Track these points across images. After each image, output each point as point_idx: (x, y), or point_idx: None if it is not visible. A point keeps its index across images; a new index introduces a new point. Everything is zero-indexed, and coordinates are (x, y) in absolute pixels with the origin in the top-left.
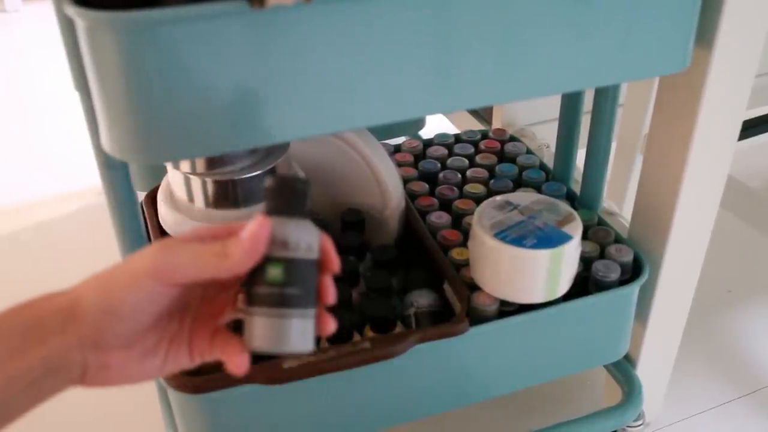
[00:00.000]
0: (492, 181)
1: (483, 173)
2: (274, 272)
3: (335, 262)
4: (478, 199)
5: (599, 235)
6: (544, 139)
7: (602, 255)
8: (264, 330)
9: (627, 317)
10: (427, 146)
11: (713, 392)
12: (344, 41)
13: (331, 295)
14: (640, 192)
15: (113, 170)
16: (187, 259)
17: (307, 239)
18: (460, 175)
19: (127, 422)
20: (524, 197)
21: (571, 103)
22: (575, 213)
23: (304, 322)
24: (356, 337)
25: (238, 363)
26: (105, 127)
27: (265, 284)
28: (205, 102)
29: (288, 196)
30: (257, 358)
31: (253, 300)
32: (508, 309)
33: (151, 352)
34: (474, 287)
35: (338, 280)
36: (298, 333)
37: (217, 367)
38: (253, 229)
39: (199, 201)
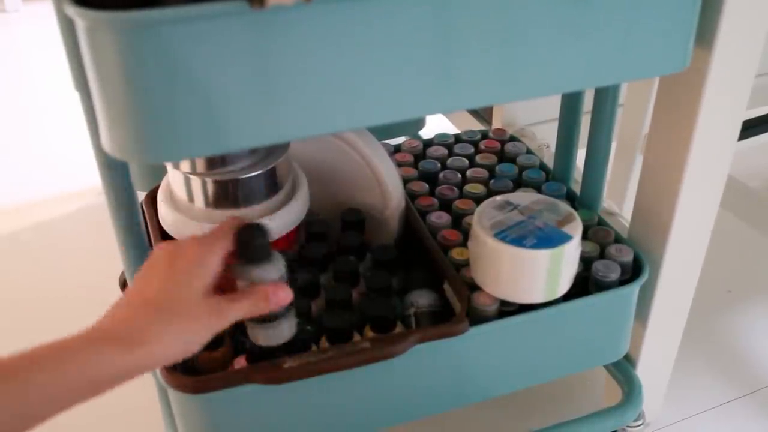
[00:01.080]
0: (492, 181)
1: (483, 173)
2: None
3: None
4: (478, 199)
5: (599, 235)
6: (544, 139)
7: (602, 255)
8: (264, 337)
9: (627, 317)
10: (427, 146)
11: (713, 392)
12: (344, 41)
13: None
14: (640, 192)
15: (113, 170)
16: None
17: (273, 276)
18: (460, 175)
19: (127, 422)
20: (524, 197)
21: (571, 103)
22: (575, 213)
23: (288, 319)
24: (356, 337)
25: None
26: (105, 127)
27: None
28: (205, 102)
29: (251, 248)
30: (257, 358)
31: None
32: (508, 309)
33: None
34: (474, 287)
35: (338, 280)
36: (287, 328)
37: (217, 368)
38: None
39: (199, 201)
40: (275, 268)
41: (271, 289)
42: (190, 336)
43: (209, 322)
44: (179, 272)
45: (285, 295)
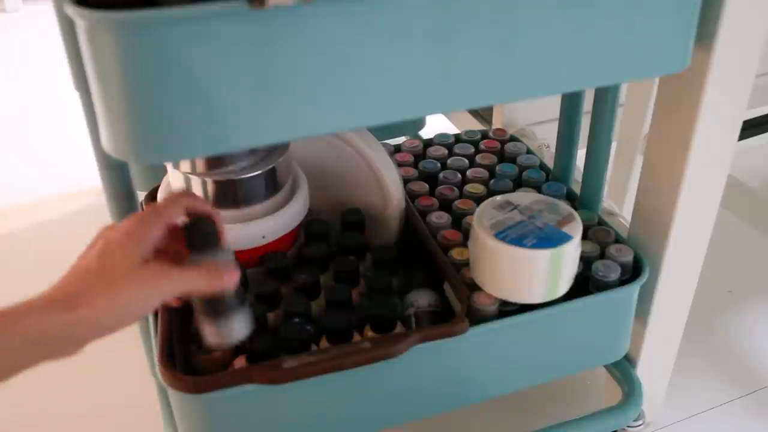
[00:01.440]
0: (492, 181)
1: (483, 173)
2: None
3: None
4: (478, 199)
5: (599, 235)
6: (544, 139)
7: (602, 255)
8: (214, 335)
9: (627, 317)
10: (427, 146)
11: (713, 392)
12: (344, 41)
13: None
14: (640, 192)
15: (113, 170)
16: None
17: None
18: (460, 175)
19: (127, 422)
20: (524, 197)
21: (571, 103)
22: (575, 213)
23: (239, 316)
24: (356, 337)
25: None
26: (105, 127)
27: (201, 303)
28: (204, 102)
29: (202, 237)
30: (257, 358)
31: (199, 311)
32: (508, 309)
33: None
34: (474, 287)
35: (338, 280)
36: (238, 327)
37: (217, 368)
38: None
39: None
40: (226, 256)
41: (221, 266)
42: (132, 299)
43: (153, 284)
44: (113, 242)
45: (233, 276)
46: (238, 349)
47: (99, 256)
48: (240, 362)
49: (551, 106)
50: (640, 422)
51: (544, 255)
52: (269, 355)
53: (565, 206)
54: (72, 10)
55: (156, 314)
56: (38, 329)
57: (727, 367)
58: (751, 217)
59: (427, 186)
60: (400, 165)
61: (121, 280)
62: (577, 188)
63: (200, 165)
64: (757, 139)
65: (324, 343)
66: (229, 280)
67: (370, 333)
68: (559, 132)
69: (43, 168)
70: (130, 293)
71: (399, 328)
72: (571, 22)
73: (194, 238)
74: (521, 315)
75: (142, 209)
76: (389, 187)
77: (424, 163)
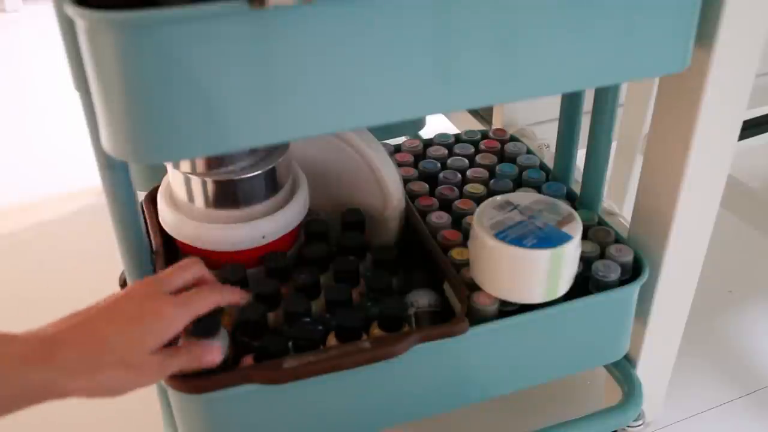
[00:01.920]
0: (492, 181)
1: (483, 173)
2: None
3: None
4: (478, 199)
5: (599, 235)
6: (544, 139)
7: (602, 255)
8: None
9: (627, 317)
10: (427, 146)
11: (713, 392)
12: (344, 41)
13: None
14: (640, 192)
15: (113, 170)
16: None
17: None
18: (460, 175)
19: (127, 422)
20: (524, 197)
21: (571, 103)
22: (575, 213)
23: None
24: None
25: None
26: (105, 127)
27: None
28: (204, 102)
29: (203, 330)
30: (257, 358)
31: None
32: (508, 309)
33: None
34: (474, 287)
35: (338, 280)
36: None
37: (216, 368)
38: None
39: (199, 201)
40: (220, 340)
41: (207, 349)
42: (124, 383)
43: (146, 377)
44: (141, 325)
45: (215, 360)
46: (247, 349)
47: (124, 330)
48: (248, 361)
49: (551, 106)
50: (640, 422)
51: (544, 255)
52: (279, 355)
53: (565, 206)
54: (72, 10)
55: None
56: (28, 387)
57: (727, 367)
58: (751, 217)
59: (427, 186)
60: (400, 165)
61: (129, 366)
62: (577, 188)
63: (200, 165)
64: (757, 139)
65: (330, 341)
66: (211, 362)
67: (377, 331)
68: (559, 132)
69: (43, 168)
70: (132, 378)
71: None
72: (571, 22)
73: (198, 329)
74: (521, 315)
75: (142, 209)
76: (389, 187)
77: (424, 163)
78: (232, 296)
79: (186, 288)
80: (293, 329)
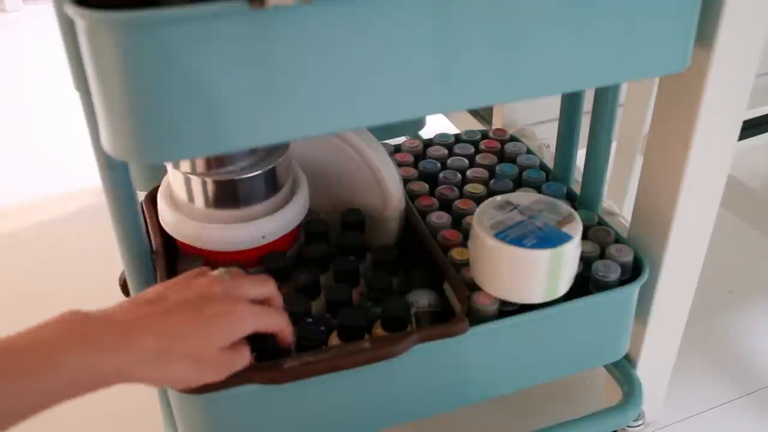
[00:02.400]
0: (492, 181)
1: (483, 173)
2: None
3: None
4: (478, 199)
5: (599, 235)
6: (544, 139)
7: (602, 255)
8: None
9: (627, 317)
10: (427, 146)
11: (713, 392)
12: (344, 41)
13: None
14: (640, 192)
15: (113, 170)
16: None
17: None
18: (460, 175)
19: (127, 422)
20: (524, 197)
21: (571, 103)
22: (575, 213)
23: None
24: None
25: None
26: (105, 127)
27: None
28: (204, 102)
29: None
30: (257, 358)
31: None
32: (508, 309)
33: None
34: (474, 287)
35: (338, 280)
36: None
37: None
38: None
39: (199, 201)
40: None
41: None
42: (191, 376)
43: (213, 373)
44: (218, 324)
45: (290, 333)
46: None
47: (193, 324)
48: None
49: (551, 106)
50: (640, 422)
51: (544, 255)
52: (281, 355)
53: (565, 206)
54: (72, 10)
55: None
56: (97, 370)
57: (727, 367)
58: (751, 217)
59: (427, 186)
60: (400, 165)
61: (197, 361)
62: (577, 188)
63: (200, 165)
64: (757, 139)
65: (332, 341)
66: (289, 337)
67: (379, 331)
68: (559, 132)
69: (43, 168)
70: (197, 374)
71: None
72: (570, 22)
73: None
74: (521, 315)
75: (142, 209)
76: (389, 187)
77: (424, 163)
78: (289, 326)
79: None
80: (296, 329)
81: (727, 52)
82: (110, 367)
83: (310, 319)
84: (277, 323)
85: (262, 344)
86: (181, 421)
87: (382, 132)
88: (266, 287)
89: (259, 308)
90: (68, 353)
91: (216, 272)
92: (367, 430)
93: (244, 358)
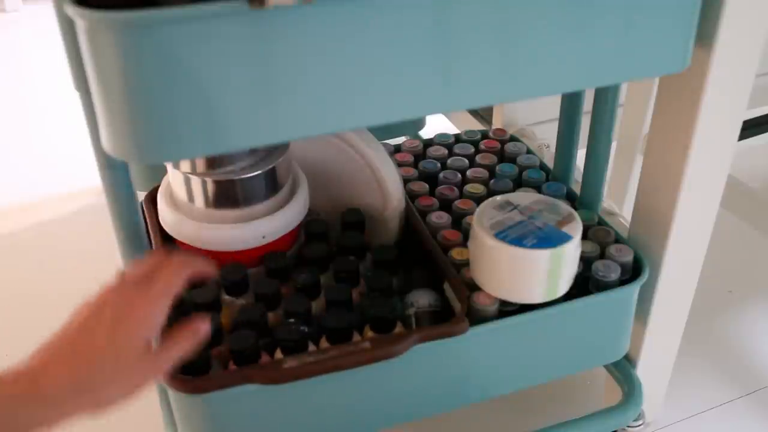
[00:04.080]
0: (492, 181)
1: (483, 173)
2: None
3: None
4: (478, 199)
5: (599, 235)
6: (544, 139)
7: (602, 255)
8: None
9: (627, 317)
10: (427, 146)
11: (713, 392)
12: (344, 41)
13: None
14: (640, 192)
15: (113, 170)
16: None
17: None
18: (460, 175)
19: (127, 422)
20: (524, 197)
21: (571, 103)
22: (575, 213)
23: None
24: (356, 337)
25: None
26: (105, 127)
27: None
28: (204, 102)
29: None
30: (257, 358)
31: None
32: (508, 309)
33: None
34: (474, 287)
35: (338, 280)
36: None
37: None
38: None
39: (199, 201)
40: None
41: (194, 325)
42: (123, 392)
43: (144, 380)
44: (125, 331)
45: (206, 327)
46: (232, 351)
47: (109, 340)
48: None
49: (551, 106)
50: (640, 422)
51: (544, 255)
52: (258, 355)
53: (565, 206)
54: (72, 10)
55: None
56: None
57: (727, 367)
58: (751, 217)
59: (427, 186)
60: (400, 165)
61: (128, 371)
62: (577, 188)
63: (200, 165)
64: (757, 139)
65: (324, 343)
66: (204, 331)
67: (370, 333)
68: (559, 132)
69: (43, 168)
70: (134, 382)
71: (399, 328)
72: (570, 21)
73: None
74: (521, 315)
75: (142, 209)
76: (389, 187)
77: (424, 163)
78: (197, 267)
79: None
80: (277, 330)
81: (727, 52)
82: (27, 419)
83: (291, 320)
84: (179, 278)
85: (246, 343)
86: (181, 421)
87: (382, 132)
88: (146, 262)
89: (153, 288)
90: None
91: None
92: (367, 430)
93: (169, 350)
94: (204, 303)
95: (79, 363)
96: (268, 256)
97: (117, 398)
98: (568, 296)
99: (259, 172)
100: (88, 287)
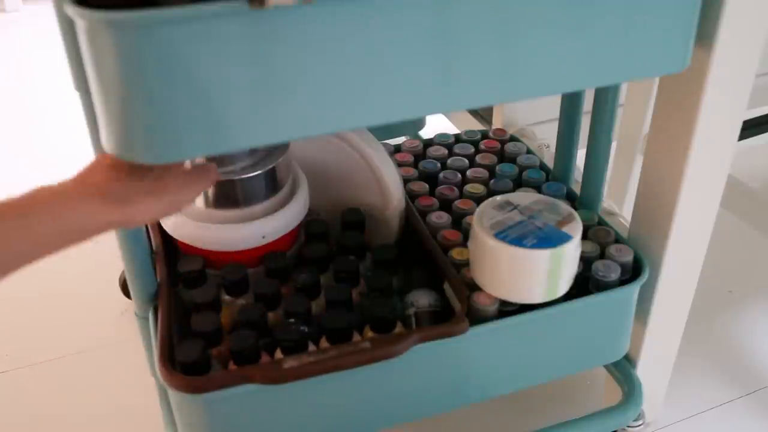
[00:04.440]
0: (492, 181)
1: (483, 173)
2: None
3: None
4: (478, 199)
5: (599, 235)
6: (544, 139)
7: (602, 255)
8: None
9: (627, 317)
10: (427, 146)
11: (713, 392)
12: (344, 41)
13: None
14: (640, 192)
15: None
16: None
17: None
18: (460, 175)
19: (127, 422)
20: (524, 197)
21: (571, 103)
22: (575, 213)
23: None
24: (356, 337)
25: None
26: (105, 127)
27: None
28: (204, 102)
29: None
30: (257, 358)
31: None
32: (508, 309)
33: None
34: (474, 287)
35: (338, 280)
36: None
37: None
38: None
39: (200, 201)
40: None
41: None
42: (173, 196)
43: (195, 185)
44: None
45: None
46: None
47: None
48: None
49: (551, 106)
50: (640, 422)
51: (544, 255)
52: (258, 355)
53: (565, 206)
54: (72, 10)
55: (156, 314)
56: (82, 220)
57: (727, 367)
58: (751, 217)
59: (427, 186)
60: (400, 165)
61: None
62: (577, 188)
63: None
64: (757, 139)
65: (324, 343)
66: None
67: (370, 333)
68: (559, 132)
69: (43, 168)
70: (181, 193)
71: (399, 328)
72: (570, 21)
73: None
74: (521, 315)
75: None
76: (389, 187)
77: (424, 163)
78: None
79: None
80: (277, 330)
81: (727, 52)
82: (112, 216)
83: (291, 320)
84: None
85: (254, 343)
86: (181, 421)
87: (382, 132)
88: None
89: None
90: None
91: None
92: (367, 430)
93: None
94: (204, 303)
95: (121, 173)
96: (268, 256)
97: (160, 208)
98: (568, 296)
99: (259, 172)
100: (88, 287)
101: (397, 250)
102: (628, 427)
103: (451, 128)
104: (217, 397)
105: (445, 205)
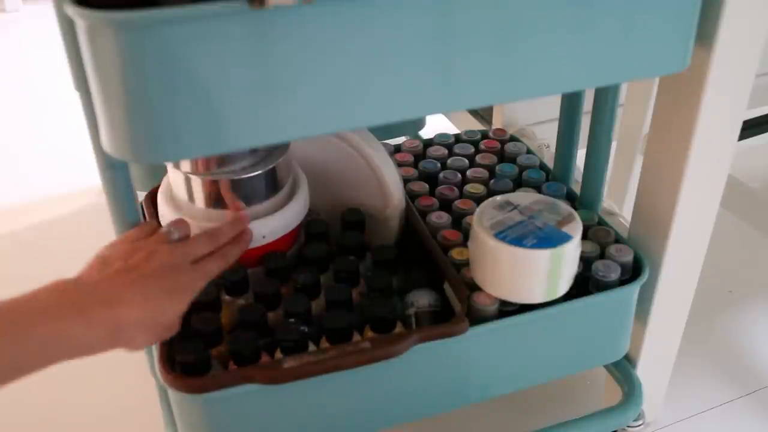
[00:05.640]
0: (492, 181)
1: (483, 173)
2: None
3: None
4: (478, 199)
5: (599, 235)
6: (544, 139)
7: (602, 255)
8: None
9: (627, 317)
10: (427, 146)
11: (713, 392)
12: (344, 41)
13: None
14: (640, 192)
15: (113, 170)
16: None
17: None
18: (460, 175)
19: (127, 422)
20: (524, 197)
21: (571, 103)
22: (575, 213)
23: None
24: (356, 337)
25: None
26: (105, 127)
27: None
28: (204, 102)
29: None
30: (257, 358)
31: None
32: (508, 309)
33: None
34: (474, 287)
35: (338, 280)
36: None
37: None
38: None
39: (200, 201)
40: None
41: (231, 222)
42: (152, 341)
43: (170, 334)
44: (184, 294)
45: (244, 216)
46: (232, 351)
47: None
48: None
49: (551, 106)
50: (640, 422)
51: (544, 255)
52: (258, 355)
53: (565, 206)
54: (72, 10)
55: None
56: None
57: (727, 367)
58: (751, 217)
59: (427, 186)
60: (400, 165)
61: (174, 285)
62: (577, 188)
63: (200, 165)
64: (757, 139)
65: (324, 343)
66: (244, 220)
67: (370, 333)
68: (559, 132)
69: (43, 168)
70: (181, 295)
71: (399, 328)
72: (570, 22)
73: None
74: (521, 315)
75: (143, 209)
76: (389, 187)
77: (424, 163)
78: (232, 256)
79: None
80: (277, 330)
81: (727, 52)
82: (95, 338)
83: (291, 320)
84: (222, 266)
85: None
86: (181, 421)
87: (382, 132)
88: (212, 240)
89: (207, 267)
90: (59, 321)
91: (164, 229)
92: (367, 430)
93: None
94: (204, 303)
95: (145, 306)
96: (268, 256)
97: (143, 345)
98: (568, 296)
99: (259, 172)
100: None
101: (397, 250)
102: (628, 427)
103: (451, 128)
104: (217, 397)
105: (445, 205)
